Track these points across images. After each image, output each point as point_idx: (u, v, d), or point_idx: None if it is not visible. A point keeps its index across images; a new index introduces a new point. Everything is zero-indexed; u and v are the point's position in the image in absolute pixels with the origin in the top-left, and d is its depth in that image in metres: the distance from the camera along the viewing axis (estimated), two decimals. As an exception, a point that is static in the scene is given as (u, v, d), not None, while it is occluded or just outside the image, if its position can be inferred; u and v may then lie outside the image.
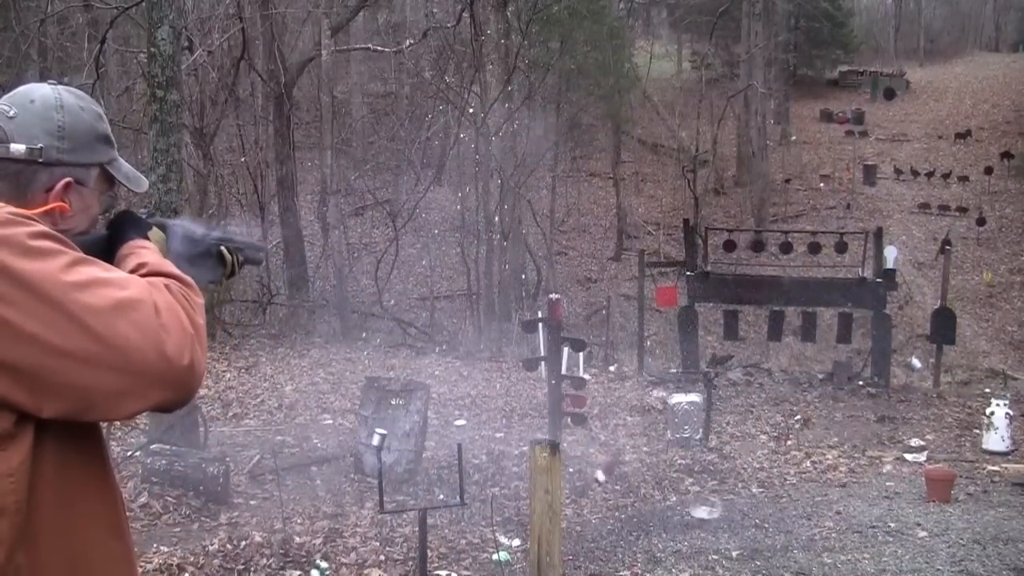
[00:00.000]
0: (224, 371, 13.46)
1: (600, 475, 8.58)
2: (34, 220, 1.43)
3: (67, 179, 1.60)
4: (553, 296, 9.13)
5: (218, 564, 6.01)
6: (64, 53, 20.12)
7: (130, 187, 1.76)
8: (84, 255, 1.44)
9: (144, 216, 1.79)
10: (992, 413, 10.44)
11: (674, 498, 8.40)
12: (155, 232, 1.76)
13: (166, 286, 1.49)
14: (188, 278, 1.59)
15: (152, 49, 8.32)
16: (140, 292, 1.42)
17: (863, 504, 8.14)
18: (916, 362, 19.63)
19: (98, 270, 1.42)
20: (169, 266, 1.61)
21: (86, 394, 1.36)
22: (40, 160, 1.58)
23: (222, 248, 1.92)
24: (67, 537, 1.45)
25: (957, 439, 11.18)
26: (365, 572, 6.17)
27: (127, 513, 1.69)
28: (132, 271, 1.55)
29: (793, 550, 6.84)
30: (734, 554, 6.76)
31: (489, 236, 19.83)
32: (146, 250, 1.66)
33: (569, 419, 9.26)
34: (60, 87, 1.67)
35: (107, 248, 1.67)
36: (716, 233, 20.58)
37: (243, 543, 6.30)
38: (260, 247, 2.13)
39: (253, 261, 2.05)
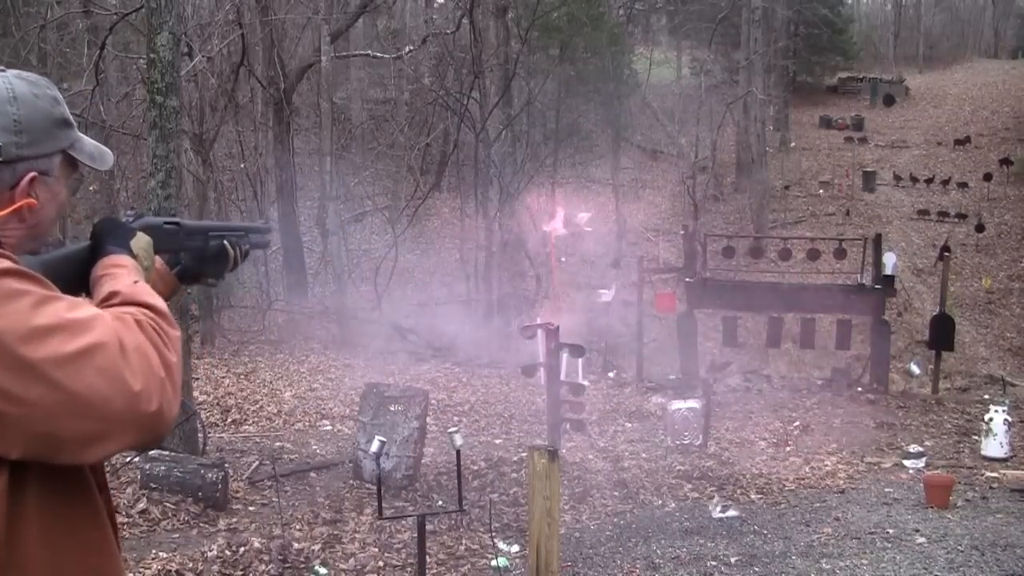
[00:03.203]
0: (223, 377, 13.47)
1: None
2: None
3: (31, 174, 1.53)
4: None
5: (217, 570, 6.01)
6: (64, 59, 20.12)
7: (96, 167, 1.67)
8: (49, 292, 1.38)
9: (131, 218, 1.72)
10: (991, 419, 10.45)
11: (673, 504, 8.39)
12: (139, 239, 1.69)
13: (137, 321, 1.43)
14: (163, 306, 1.52)
15: (152, 55, 8.34)
16: (105, 334, 1.36)
17: (862, 510, 8.15)
18: (915, 368, 19.61)
19: (63, 309, 1.36)
20: (143, 293, 1.53)
21: (52, 440, 1.33)
22: (0, 159, 1.50)
23: (224, 241, 1.85)
24: None
25: (956, 445, 11.18)
26: (363, 578, 6.17)
27: (124, 526, 1.67)
28: (104, 299, 1.50)
29: (791, 556, 6.85)
30: (733, 560, 6.77)
31: (488, 242, 19.85)
32: (122, 270, 1.58)
33: (568, 425, 9.27)
34: (10, 74, 1.55)
35: (89, 260, 1.61)
36: (715, 239, 20.60)
37: (242, 549, 6.30)
38: (264, 228, 2.03)
39: (259, 245, 1.96)
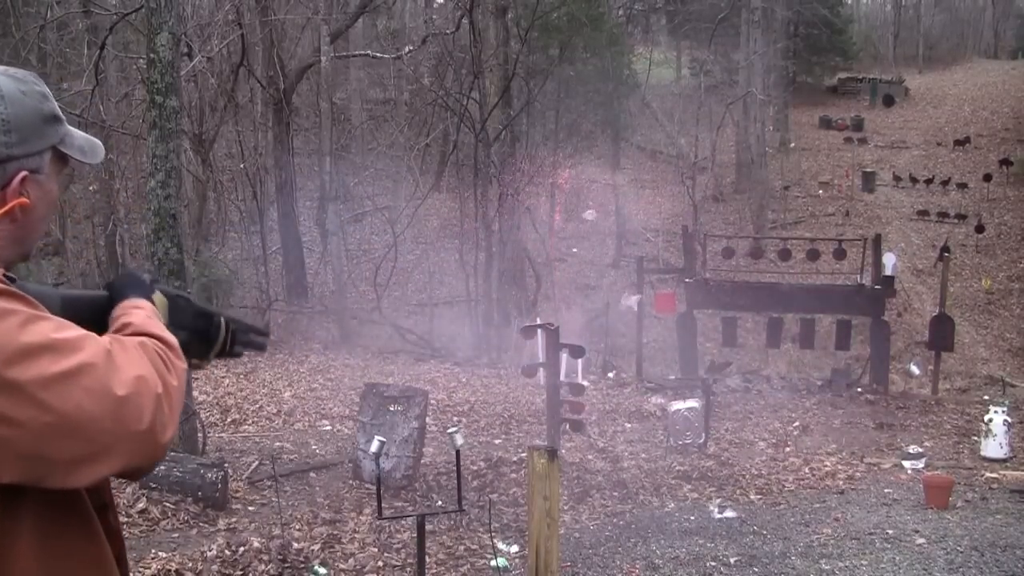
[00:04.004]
0: (223, 377, 13.47)
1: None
2: None
3: (23, 173, 1.49)
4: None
5: (216, 570, 6.00)
6: (64, 59, 20.13)
7: (87, 161, 1.64)
8: (36, 312, 1.35)
9: (148, 280, 1.68)
10: (990, 420, 10.45)
11: (672, 504, 8.39)
12: (157, 296, 1.66)
13: (141, 344, 1.42)
14: (173, 340, 1.50)
15: (151, 55, 8.34)
16: (93, 355, 1.34)
17: (861, 511, 8.15)
18: (915, 369, 19.63)
19: (50, 329, 1.34)
20: (155, 327, 1.51)
21: (41, 462, 1.31)
22: None
23: (222, 326, 1.77)
24: None
25: (955, 446, 11.18)
26: (363, 578, 6.17)
27: (124, 526, 1.65)
28: (117, 330, 1.48)
29: (791, 556, 6.85)
30: (732, 560, 6.77)
31: (488, 242, 19.85)
32: (139, 310, 1.56)
33: (567, 425, 9.26)
34: None
35: (106, 308, 1.58)
36: (715, 240, 20.60)
37: (241, 549, 6.30)
38: (264, 332, 1.97)
39: (255, 346, 1.89)
